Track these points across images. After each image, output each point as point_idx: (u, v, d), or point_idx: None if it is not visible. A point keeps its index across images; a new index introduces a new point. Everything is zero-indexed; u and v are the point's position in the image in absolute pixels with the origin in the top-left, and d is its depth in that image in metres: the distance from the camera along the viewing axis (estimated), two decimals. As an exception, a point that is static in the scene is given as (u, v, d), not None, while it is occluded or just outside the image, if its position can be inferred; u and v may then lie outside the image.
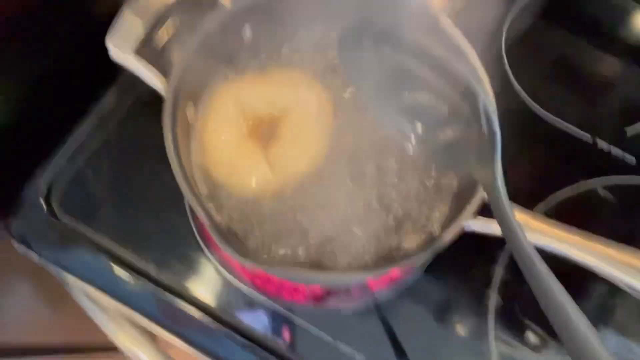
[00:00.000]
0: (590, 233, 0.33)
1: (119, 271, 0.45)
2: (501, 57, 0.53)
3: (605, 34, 0.57)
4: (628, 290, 0.40)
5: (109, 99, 0.49)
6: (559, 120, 0.51)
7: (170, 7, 0.38)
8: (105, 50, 0.36)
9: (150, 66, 0.36)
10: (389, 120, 0.38)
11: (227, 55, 0.41)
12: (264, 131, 0.40)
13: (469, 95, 0.34)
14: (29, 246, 0.45)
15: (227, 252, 0.31)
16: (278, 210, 0.39)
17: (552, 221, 0.34)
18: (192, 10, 0.41)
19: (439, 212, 0.39)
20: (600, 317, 0.45)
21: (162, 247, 0.45)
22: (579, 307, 0.26)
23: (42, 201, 0.46)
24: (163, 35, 0.37)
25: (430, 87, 0.36)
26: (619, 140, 0.51)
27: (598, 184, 0.48)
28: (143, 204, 0.47)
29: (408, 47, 0.35)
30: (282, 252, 0.38)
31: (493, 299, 0.45)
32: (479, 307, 0.45)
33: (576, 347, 0.25)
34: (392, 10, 0.37)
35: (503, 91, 0.51)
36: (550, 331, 0.43)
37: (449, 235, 0.34)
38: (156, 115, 0.47)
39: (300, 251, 0.38)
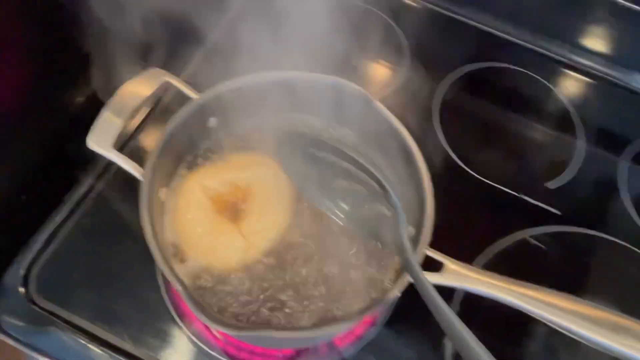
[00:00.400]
0: (511, 278, 0.39)
1: (95, 351, 0.46)
2: (434, 129, 0.61)
3: (524, 103, 0.67)
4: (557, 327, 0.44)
5: (83, 184, 0.53)
6: (489, 181, 0.58)
7: (144, 100, 0.43)
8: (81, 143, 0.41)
9: (126, 158, 0.41)
10: (321, 202, 0.45)
11: (193, 143, 0.47)
12: (231, 209, 0.44)
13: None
14: (5, 332, 0.47)
15: (200, 318, 0.34)
16: (244, 279, 0.43)
17: (484, 271, 0.40)
18: (163, 106, 0.46)
19: (394, 272, 0.44)
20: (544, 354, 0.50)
21: (137, 323, 0.48)
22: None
23: (19, 288, 0.48)
24: (137, 128, 0.41)
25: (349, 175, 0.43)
26: (543, 194, 0.58)
27: (527, 235, 0.55)
28: (117, 283, 0.49)
29: (334, 149, 0.42)
30: (252, 318, 0.42)
31: (449, 347, 0.49)
32: (436, 356, 0.49)
33: None
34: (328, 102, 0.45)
35: (439, 158, 0.58)
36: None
37: (397, 288, 0.38)
38: (128, 198, 0.51)
39: (268, 315, 0.41)
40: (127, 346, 0.47)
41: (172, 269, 0.37)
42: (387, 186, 0.40)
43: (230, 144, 0.48)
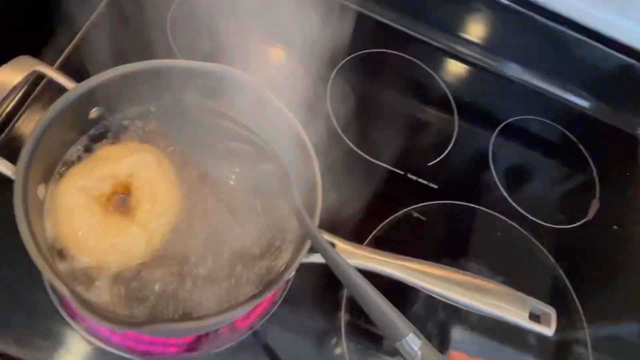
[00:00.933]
0: (395, 254, 0.43)
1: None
2: (328, 113, 0.63)
3: (409, 87, 0.71)
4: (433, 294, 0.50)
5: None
6: (379, 162, 0.62)
7: (10, 91, 0.40)
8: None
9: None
10: (212, 167, 0.45)
11: (74, 135, 0.44)
12: (119, 203, 0.43)
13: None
14: None
15: (90, 318, 0.34)
16: (139, 271, 0.42)
17: (370, 249, 0.43)
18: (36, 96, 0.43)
19: (287, 252, 0.46)
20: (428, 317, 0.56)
21: (23, 326, 0.45)
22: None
23: None
24: (9, 122, 0.38)
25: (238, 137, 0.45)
26: (426, 172, 0.64)
27: (413, 209, 0.60)
28: (6, 311, 0.46)
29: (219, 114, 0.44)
30: (146, 311, 0.41)
31: (344, 318, 0.53)
32: (333, 325, 0.52)
33: (384, 323, 0.34)
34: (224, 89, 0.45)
35: (332, 141, 0.61)
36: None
37: (292, 268, 0.40)
38: (4, 200, 0.48)
39: (164, 305, 0.42)
40: (13, 350, 0.44)
41: (54, 271, 0.35)
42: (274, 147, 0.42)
43: (113, 134, 0.46)
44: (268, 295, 0.39)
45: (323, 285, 0.54)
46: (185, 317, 0.41)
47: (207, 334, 0.50)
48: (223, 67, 0.46)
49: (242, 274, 0.44)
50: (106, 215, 0.42)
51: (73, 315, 0.46)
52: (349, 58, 0.69)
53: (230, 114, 0.47)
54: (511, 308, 0.43)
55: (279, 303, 0.52)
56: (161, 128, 0.47)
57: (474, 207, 0.63)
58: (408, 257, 0.44)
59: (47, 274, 0.35)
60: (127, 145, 0.45)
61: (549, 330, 0.43)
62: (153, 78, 0.45)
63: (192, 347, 0.49)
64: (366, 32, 0.66)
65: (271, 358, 0.50)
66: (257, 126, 0.47)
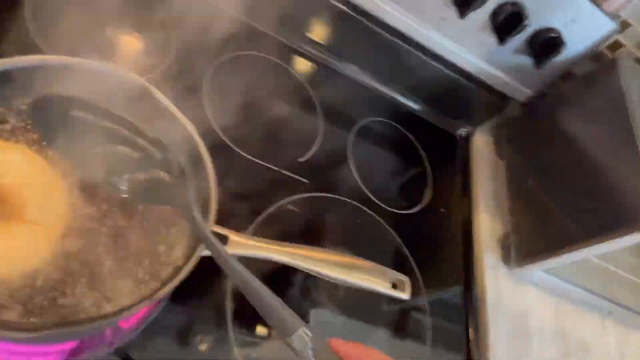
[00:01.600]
0: (280, 241, 0.48)
1: None
2: (202, 106, 0.66)
3: (278, 87, 0.77)
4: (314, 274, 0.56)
5: None
6: (255, 158, 0.67)
7: None
8: None
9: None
10: (91, 171, 0.44)
11: None
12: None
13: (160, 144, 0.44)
14: None
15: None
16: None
17: (259, 239, 0.48)
18: None
19: (181, 247, 0.47)
20: (302, 297, 0.62)
21: None
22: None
23: None
24: None
25: (123, 141, 0.45)
26: (296, 167, 0.70)
27: (287, 202, 0.66)
28: None
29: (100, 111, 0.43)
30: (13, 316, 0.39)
31: (229, 308, 0.56)
32: (220, 317, 0.55)
33: (273, 318, 0.37)
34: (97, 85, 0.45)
35: (210, 139, 0.63)
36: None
37: (190, 265, 0.42)
38: None
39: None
40: None
41: None
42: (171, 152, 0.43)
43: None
44: (158, 298, 0.41)
45: (209, 277, 0.56)
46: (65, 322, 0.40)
47: (91, 338, 0.48)
48: (106, 65, 0.45)
49: (133, 274, 0.44)
50: None
51: None
52: (225, 56, 0.72)
53: (114, 112, 0.46)
54: (378, 280, 0.52)
55: (163, 303, 0.53)
56: (34, 127, 0.44)
57: (336, 198, 0.72)
58: (292, 244, 0.50)
59: None
60: None
61: (405, 295, 0.53)
62: (21, 74, 0.43)
63: (74, 353, 0.47)
64: (235, 34, 0.68)
65: (160, 355, 0.51)
66: (144, 125, 0.47)
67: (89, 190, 0.44)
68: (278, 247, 0.47)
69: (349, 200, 0.73)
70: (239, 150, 0.66)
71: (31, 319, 0.39)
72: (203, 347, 0.54)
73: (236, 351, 0.54)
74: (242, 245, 0.46)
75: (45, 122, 0.44)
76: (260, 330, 0.58)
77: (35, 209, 0.40)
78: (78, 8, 0.55)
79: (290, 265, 0.49)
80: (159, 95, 0.46)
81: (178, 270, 0.43)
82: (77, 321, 0.40)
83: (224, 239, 0.46)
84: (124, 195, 0.44)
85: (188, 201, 0.42)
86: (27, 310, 0.39)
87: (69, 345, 0.47)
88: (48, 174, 0.43)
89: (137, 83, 0.46)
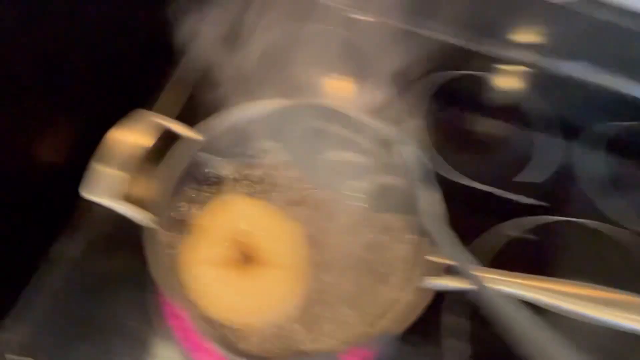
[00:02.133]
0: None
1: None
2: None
3: (486, 105, 0.71)
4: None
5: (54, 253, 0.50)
6: (466, 178, 0.62)
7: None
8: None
9: (127, 203, 0.39)
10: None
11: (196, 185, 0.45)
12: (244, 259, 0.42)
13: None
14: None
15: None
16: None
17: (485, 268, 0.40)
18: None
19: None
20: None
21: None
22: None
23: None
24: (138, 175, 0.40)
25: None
26: (511, 187, 0.63)
27: (506, 227, 0.59)
28: (113, 343, 0.46)
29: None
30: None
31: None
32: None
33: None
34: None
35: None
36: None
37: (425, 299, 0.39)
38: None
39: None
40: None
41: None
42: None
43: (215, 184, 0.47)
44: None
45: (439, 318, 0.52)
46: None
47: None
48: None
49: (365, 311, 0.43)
50: (244, 276, 0.41)
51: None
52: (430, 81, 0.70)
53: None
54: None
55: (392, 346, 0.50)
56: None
57: (567, 221, 0.62)
58: (529, 275, 0.42)
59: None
60: (231, 201, 0.44)
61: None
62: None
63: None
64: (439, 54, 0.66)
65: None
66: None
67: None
68: (519, 280, 0.40)
69: (581, 221, 0.62)
70: (457, 172, 0.62)
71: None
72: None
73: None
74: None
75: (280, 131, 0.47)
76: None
77: (283, 255, 0.42)
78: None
79: (531, 302, 0.41)
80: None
81: (411, 306, 0.40)
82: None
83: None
84: (362, 205, 0.43)
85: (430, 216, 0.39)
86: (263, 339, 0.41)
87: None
88: (280, 218, 0.45)
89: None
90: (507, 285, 0.40)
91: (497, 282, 0.40)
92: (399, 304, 0.42)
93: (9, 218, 0.46)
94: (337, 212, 0.46)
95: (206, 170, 0.46)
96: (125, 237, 0.51)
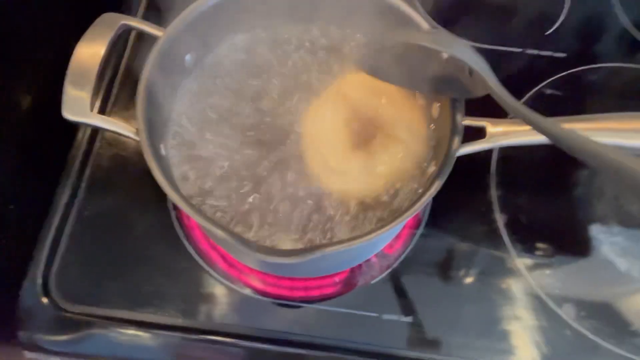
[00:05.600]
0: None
1: (145, 337, 0.43)
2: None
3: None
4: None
5: (70, 174, 0.48)
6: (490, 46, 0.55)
7: (105, 56, 0.37)
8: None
9: (114, 120, 0.36)
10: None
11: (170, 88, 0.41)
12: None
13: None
14: (43, 350, 0.43)
15: (260, 256, 0.31)
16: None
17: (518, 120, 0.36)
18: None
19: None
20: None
21: (178, 295, 0.44)
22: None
23: (42, 299, 0.43)
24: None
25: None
26: (544, 43, 0.56)
27: (544, 85, 0.53)
28: (139, 261, 0.45)
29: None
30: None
31: (500, 219, 0.47)
32: (491, 231, 0.47)
33: None
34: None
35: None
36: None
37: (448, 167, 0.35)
38: (120, 174, 0.48)
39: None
40: (179, 321, 0.43)
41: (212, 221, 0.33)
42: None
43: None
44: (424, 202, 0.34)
45: (467, 190, 0.49)
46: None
47: (359, 266, 0.46)
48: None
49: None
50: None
51: (225, 275, 0.45)
52: None
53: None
54: None
55: (424, 220, 0.47)
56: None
57: (608, 67, 0.54)
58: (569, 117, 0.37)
59: (199, 220, 0.32)
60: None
61: None
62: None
63: (347, 283, 0.46)
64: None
65: (429, 279, 0.46)
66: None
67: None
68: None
69: (625, 65, 0.55)
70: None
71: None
72: (478, 261, 0.46)
73: (517, 261, 0.46)
74: (505, 134, 0.36)
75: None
76: (542, 244, 0.47)
77: (404, 129, 0.40)
78: None
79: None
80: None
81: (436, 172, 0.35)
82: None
83: (480, 132, 0.37)
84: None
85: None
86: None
87: (342, 276, 0.46)
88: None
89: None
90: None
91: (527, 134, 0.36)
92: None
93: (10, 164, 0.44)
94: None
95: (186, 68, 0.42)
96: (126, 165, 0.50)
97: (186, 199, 0.34)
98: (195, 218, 0.32)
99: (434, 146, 0.40)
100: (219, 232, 0.32)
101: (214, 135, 0.41)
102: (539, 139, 0.35)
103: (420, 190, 0.39)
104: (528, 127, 0.35)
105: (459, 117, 0.36)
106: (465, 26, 0.55)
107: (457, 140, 0.35)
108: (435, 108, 0.40)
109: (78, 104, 0.35)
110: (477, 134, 0.37)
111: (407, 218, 0.34)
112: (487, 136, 0.36)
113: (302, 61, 0.44)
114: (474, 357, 0.43)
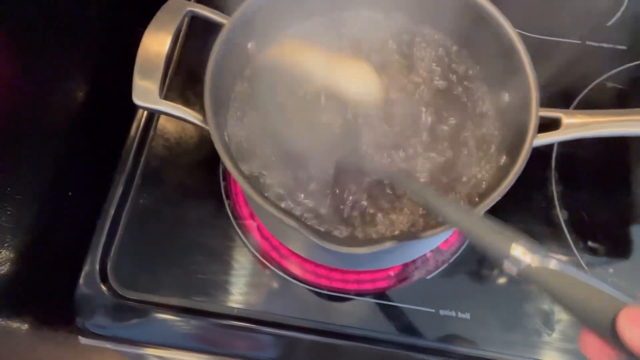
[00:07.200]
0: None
1: (203, 325, 0.43)
2: None
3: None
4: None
5: (126, 162, 0.49)
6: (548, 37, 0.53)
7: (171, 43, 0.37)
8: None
9: (182, 108, 0.36)
10: None
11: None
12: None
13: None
14: (102, 337, 0.43)
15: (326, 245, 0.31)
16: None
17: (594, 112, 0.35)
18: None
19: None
20: None
21: (233, 285, 0.44)
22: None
23: (101, 286, 0.43)
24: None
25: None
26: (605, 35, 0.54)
27: (605, 78, 0.51)
28: (194, 250, 0.45)
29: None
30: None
31: (561, 215, 0.46)
32: (552, 227, 0.46)
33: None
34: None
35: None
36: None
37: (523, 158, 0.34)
38: (177, 162, 0.47)
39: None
40: (233, 310, 0.43)
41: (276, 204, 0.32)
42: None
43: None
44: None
45: (528, 185, 0.47)
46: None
47: (414, 261, 0.46)
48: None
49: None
50: None
51: (278, 265, 0.45)
52: None
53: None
54: None
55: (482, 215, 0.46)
56: None
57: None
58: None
59: (274, 212, 0.32)
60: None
61: None
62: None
63: (401, 278, 0.45)
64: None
65: (486, 275, 0.45)
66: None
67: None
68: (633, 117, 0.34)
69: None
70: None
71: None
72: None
73: (579, 259, 0.45)
74: (583, 125, 0.35)
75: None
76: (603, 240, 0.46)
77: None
78: None
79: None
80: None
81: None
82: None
83: (556, 123, 0.35)
84: None
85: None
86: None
87: (396, 270, 0.46)
88: None
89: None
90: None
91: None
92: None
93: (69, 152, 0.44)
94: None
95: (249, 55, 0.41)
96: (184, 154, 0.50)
97: (260, 192, 0.33)
98: (269, 209, 0.32)
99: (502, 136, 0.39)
100: (292, 223, 0.31)
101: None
102: (619, 130, 0.34)
103: (484, 184, 0.38)
104: (606, 119, 0.35)
105: (535, 107, 0.35)
106: (523, 16, 0.53)
107: (533, 131, 0.34)
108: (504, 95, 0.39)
109: (147, 91, 0.35)
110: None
111: (489, 206, 0.33)
112: (561, 127, 0.35)
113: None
114: (534, 355, 0.42)
